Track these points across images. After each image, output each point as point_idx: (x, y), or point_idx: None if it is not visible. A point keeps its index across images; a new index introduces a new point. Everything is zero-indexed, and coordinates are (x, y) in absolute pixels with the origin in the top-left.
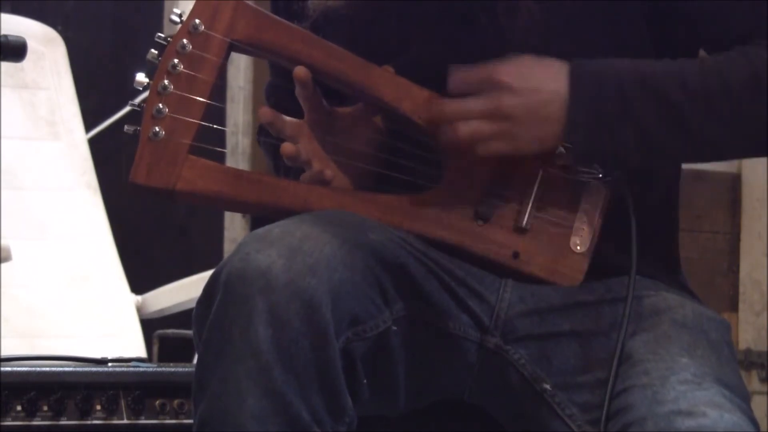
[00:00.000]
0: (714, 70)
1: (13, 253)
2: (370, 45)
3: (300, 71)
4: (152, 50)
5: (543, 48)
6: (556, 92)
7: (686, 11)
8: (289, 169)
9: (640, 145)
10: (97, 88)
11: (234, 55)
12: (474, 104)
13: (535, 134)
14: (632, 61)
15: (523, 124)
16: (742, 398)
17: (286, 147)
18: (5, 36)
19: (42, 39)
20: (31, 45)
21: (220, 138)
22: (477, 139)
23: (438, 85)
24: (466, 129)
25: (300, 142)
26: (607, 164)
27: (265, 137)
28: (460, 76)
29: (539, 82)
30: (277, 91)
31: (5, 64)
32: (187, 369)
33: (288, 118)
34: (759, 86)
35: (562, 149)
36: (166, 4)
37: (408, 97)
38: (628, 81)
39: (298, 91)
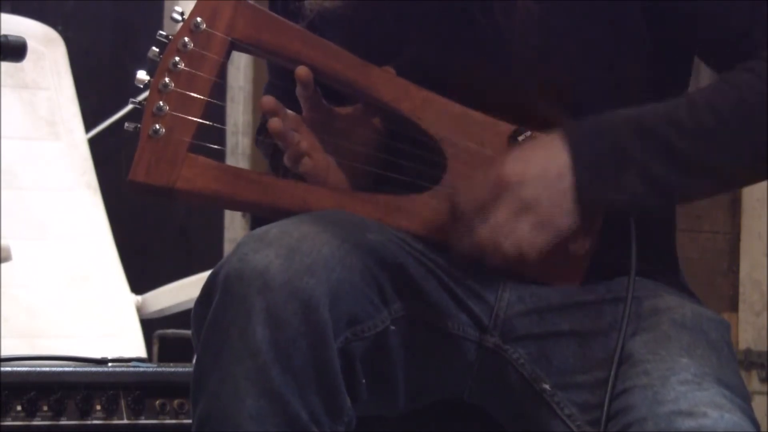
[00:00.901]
0: (702, 103)
1: (13, 253)
2: (368, 45)
3: (302, 71)
4: (153, 48)
5: (543, 47)
6: (562, 162)
7: (686, 11)
8: (288, 170)
9: (648, 190)
10: (97, 88)
11: (234, 55)
12: (500, 214)
13: (566, 207)
14: (621, 112)
15: (550, 204)
16: (743, 398)
17: (273, 122)
18: (5, 36)
19: (42, 39)
20: (31, 45)
21: (220, 138)
22: (521, 245)
23: (436, 85)
24: (509, 244)
25: (299, 133)
26: (627, 213)
27: (264, 137)
28: (469, 197)
29: (542, 160)
30: (275, 90)
31: (5, 64)
32: (187, 369)
33: (289, 111)
34: (750, 111)
35: None
36: (166, 3)
37: (407, 97)
38: (620, 131)
39: (298, 90)
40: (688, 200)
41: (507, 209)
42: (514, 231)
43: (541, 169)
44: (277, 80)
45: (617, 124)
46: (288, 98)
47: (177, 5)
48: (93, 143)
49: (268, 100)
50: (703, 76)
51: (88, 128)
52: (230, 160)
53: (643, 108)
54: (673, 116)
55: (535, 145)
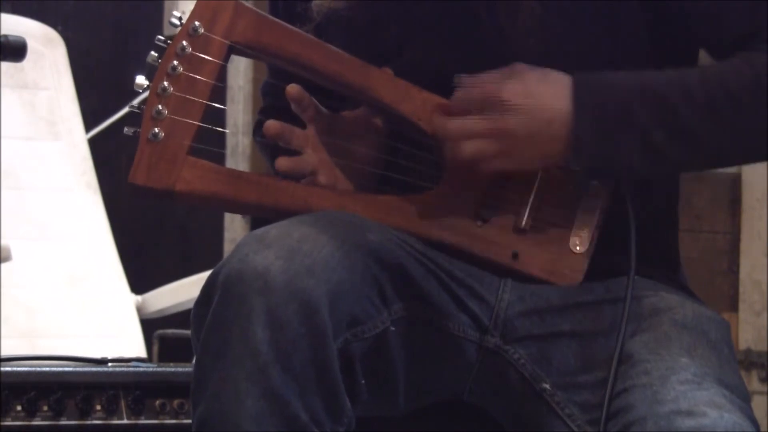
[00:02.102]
0: (716, 76)
1: (13, 253)
2: (373, 46)
3: (292, 90)
4: (152, 53)
5: (544, 48)
6: (559, 110)
7: (686, 11)
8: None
9: (644, 156)
10: (97, 88)
11: (234, 56)
12: (477, 123)
13: (539, 152)
14: (635, 73)
15: (526, 143)
16: (743, 398)
17: (281, 162)
18: (5, 36)
19: (42, 39)
20: (31, 45)
21: (220, 139)
22: (480, 158)
23: (440, 85)
24: (469, 148)
25: (306, 152)
26: (613, 176)
27: (262, 137)
28: (464, 90)
29: (542, 99)
30: (273, 90)
31: (5, 64)
32: (187, 369)
33: (296, 129)
34: (761, 91)
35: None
36: (166, 4)
37: (407, 98)
38: (630, 92)
39: (294, 107)
40: (681, 171)
41: (486, 122)
42: (481, 142)
43: (538, 105)
44: (274, 79)
45: (628, 84)
46: (286, 97)
47: (176, 7)
48: (93, 143)
49: (272, 126)
50: None
51: (88, 128)
52: (230, 161)
53: (656, 72)
54: (686, 87)
55: (544, 78)
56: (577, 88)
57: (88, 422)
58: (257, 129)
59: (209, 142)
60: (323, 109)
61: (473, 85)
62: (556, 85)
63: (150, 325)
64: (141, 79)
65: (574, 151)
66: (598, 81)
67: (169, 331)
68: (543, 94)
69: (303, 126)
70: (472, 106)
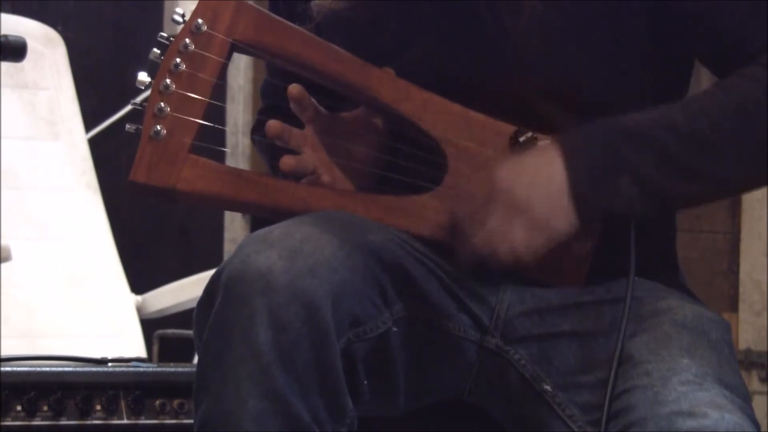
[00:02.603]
0: (699, 109)
1: (13, 253)
2: (373, 46)
3: (293, 89)
4: (154, 49)
5: (545, 47)
6: (554, 169)
7: (687, 12)
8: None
9: (644, 195)
10: (97, 88)
11: (234, 55)
12: (494, 220)
13: (555, 209)
14: (618, 117)
15: (540, 208)
16: (743, 398)
17: (286, 160)
18: (5, 36)
19: (42, 39)
20: (31, 45)
21: (220, 138)
22: (516, 248)
23: (441, 85)
24: (506, 250)
25: (305, 152)
26: (622, 217)
27: (260, 137)
28: (464, 204)
29: (535, 167)
30: (273, 90)
31: (5, 64)
32: (187, 369)
33: (294, 130)
34: (747, 117)
35: None
36: (166, 4)
37: (407, 98)
38: (614, 136)
39: (294, 107)
40: (684, 206)
41: (500, 214)
42: (508, 235)
43: (533, 172)
44: (274, 79)
45: (612, 129)
46: (286, 97)
47: (177, 6)
48: (93, 143)
49: (273, 126)
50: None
51: (88, 128)
52: (230, 160)
53: (638, 114)
54: (670, 121)
55: (528, 152)
56: (563, 144)
57: (88, 422)
58: (256, 129)
59: (209, 142)
60: (322, 109)
61: (465, 199)
62: (540, 150)
63: (150, 325)
64: (143, 76)
65: (579, 207)
66: (580, 134)
67: (169, 331)
68: (533, 162)
69: (302, 126)
70: (479, 216)
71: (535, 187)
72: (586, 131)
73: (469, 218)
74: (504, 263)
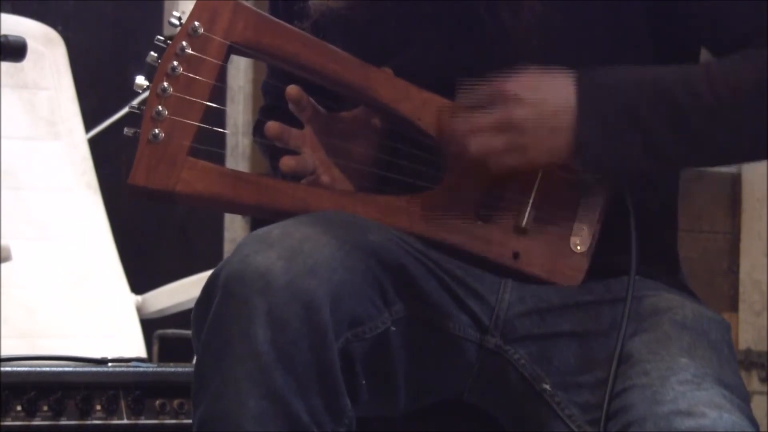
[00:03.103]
0: (720, 74)
1: (13, 253)
2: (372, 45)
3: (292, 90)
4: (152, 53)
5: (545, 47)
6: (564, 102)
7: (687, 11)
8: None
9: (647, 152)
10: (97, 88)
11: (234, 56)
12: (484, 118)
13: (547, 145)
14: (640, 68)
15: (534, 135)
16: (742, 398)
17: (286, 161)
18: (5, 36)
19: (42, 39)
20: (31, 45)
21: (220, 139)
22: (489, 153)
23: (441, 84)
24: (477, 144)
25: (304, 152)
26: (616, 171)
27: (261, 138)
28: (468, 89)
29: (548, 92)
30: (273, 90)
31: (5, 64)
32: (187, 369)
33: (294, 130)
34: (764, 89)
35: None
36: (166, 4)
37: (406, 98)
38: (635, 88)
39: (292, 107)
40: (682, 168)
41: (492, 117)
42: (488, 137)
43: (542, 97)
44: (274, 79)
45: (634, 82)
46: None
47: (176, 7)
48: (93, 143)
49: (272, 127)
50: None
51: (88, 128)
52: (230, 161)
53: (662, 70)
54: (692, 87)
55: (548, 74)
56: (582, 84)
57: (88, 422)
58: (257, 129)
59: (209, 143)
60: (321, 109)
61: (477, 83)
62: (559, 79)
63: (150, 325)
64: (141, 80)
65: (577, 150)
66: (603, 78)
67: (169, 331)
68: (548, 86)
69: (302, 126)
70: (478, 103)
71: (538, 112)
72: (607, 78)
73: (465, 106)
74: (467, 154)
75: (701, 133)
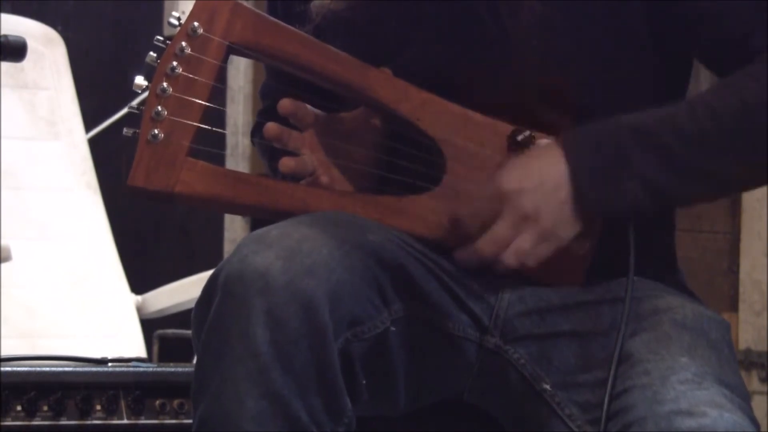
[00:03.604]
0: (703, 107)
1: (13, 253)
2: (373, 46)
3: (284, 104)
4: (151, 53)
5: (545, 47)
6: (559, 174)
7: (686, 11)
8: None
9: (648, 195)
10: (97, 88)
11: (234, 57)
12: (501, 226)
13: (563, 219)
14: (623, 117)
15: (550, 216)
16: (742, 398)
17: (286, 161)
18: (5, 36)
19: (42, 39)
20: (31, 45)
21: (220, 139)
22: (525, 257)
23: (441, 84)
24: (512, 257)
25: (304, 153)
26: (626, 218)
27: (260, 138)
28: (469, 209)
29: (541, 172)
30: (272, 92)
31: (5, 64)
32: (187, 369)
33: (293, 131)
34: (751, 116)
35: None
36: (166, 4)
37: (406, 98)
38: (621, 137)
39: (291, 120)
40: (688, 204)
41: (507, 221)
42: (515, 243)
43: (539, 179)
44: (273, 81)
45: (617, 131)
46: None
47: (176, 7)
48: (93, 143)
49: (271, 128)
50: (703, 78)
51: (88, 128)
52: (230, 161)
53: (642, 114)
54: (674, 122)
55: (532, 154)
56: (568, 147)
57: (88, 422)
58: (255, 131)
59: (209, 143)
60: (320, 112)
61: (469, 204)
62: (544, 153)
63: (150, 325)
64: (140, 80)
65: (583, 207)
66: (588, 132)
67: (169, 331)
68: (538, 167)
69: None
70: (485, 217)
71: (542, 194)
72: (592, 132)
73: (473, 221)
74: (508, 268)
75: (693, 167)
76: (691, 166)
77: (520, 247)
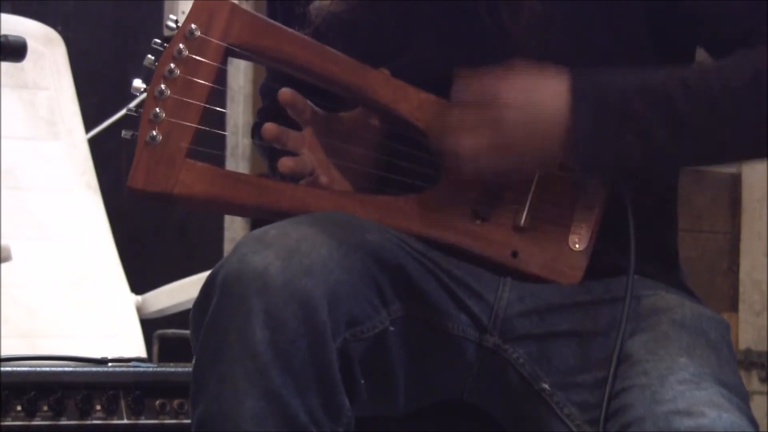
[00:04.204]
0: (715, 71)
1: (13, 253)
2: (373, 47)
3: (284, 94)
4: (149, 56)
5: (545, 47)
6: (556, 107)
7: (686, 11)
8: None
9: (644, 152)
10: (97, 88)
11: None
12: (473, 116)
13: (536, 149)
14: (633, 70)
15: (523, 140)
16: (741, 398)
17: (285, 162)
18: (5, 36)
19: (42, 39)
20: (31, 45)
21: (220, 140)
22: (474, 152)
23: (441, 85)
24: (464, 142)
25: (303, 153)
26: (613, 169)
27: (259, 139)
28: (462, 84)
29: (539, 95)
30: (271, 92)
31: (5, 64)
32: (187, 369)
33: (291, 131)
34: (760, 87)
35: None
36: (166, 4)
37: (404, 98)
38: (629, 88)
39: (289, 111)
40: (680, 166)
41: (480, 118)
42: (475, 139)
43: (534, 102)
44: (272, 81)
45: (627, 80)
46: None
47: (177, 6)
48: (93, 143)
49: (270, 129)
50: None
51: (88, 128)
52: (230, 161)
53: (655, 69)
54: (685, 81)
55: (543, 75)
56: (576, 83)
57: (88, 422)
58: (255, 131)
59: (209, 143)
60: (319, 110)
61: (471, 79)
62: (553, 81)
63: (150, 325)
64: (138, 83)
65: (571, 147)
66: (597, 77)
67: (169, 331)
68: (540, 89)
69: (301, 127)
70: (470, 101)
71: (527, 111)
72: (604, 76)
73: (456, 107)
74: (463, 161)
75: (696, 128)
76: (693, 127)
77: (479, 142)
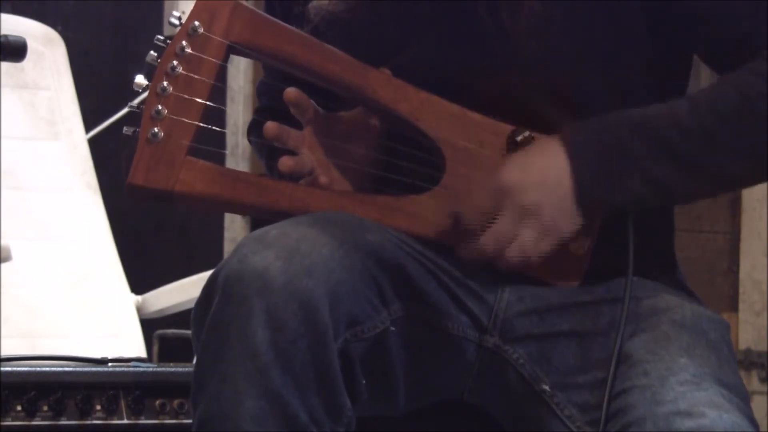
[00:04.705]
0: (703, 103)
1: (13, 253)
2: (372, 47)
3: (290, 93)
4: (151, 52)
5: (545, 47)
6: (561, 168)
7: (686, 11)
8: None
9: (649, 191)
10: (97, 88)
11: (234, 56)
12: (503, 222)
13: (564, 213)
14: (624, 112)
15: (551, 211)
16: (741, 398)
17: (285, 161)
18: (5, 36)
19: (42, 39)
20: (31, 45)
21: (220, 139)
22: (526, 252)
23: (441, 84)
24: (515, 253)
25: (303, 152)
26: (627, 212)
27: (255, 137)
28: (470, 206)
29: (542, 166)
30: (270, 89)
31: (5, 64)
32: (187, 369)
33: (292, 131)
34: (751, 110)
35: None
36: (166, 4)
37: (404, 98)
38: (623, 131)
39: (292, 110)
40: (689, 200)
41: (509, 216)
42: (517, 238)
43: (540, 174)
44: (271, 79)
45: (618, 126)
46: (282, 97)
47: (176, 7)
48: (93, 143)
49: (270, 128)
50: (703, 77)
51: (88, 128)
52: (230, 161)
53: (644, 109)
54: (675, 117)
55: (533, 149)
56: (570, 142)
57: (88, 422)
58: (252, 130)
59: (209, 143)
60: (321, 110)
61: (470, 200)
62: (545, 148)
63: (150, 325)
64: (140, 79)
65: (583, 202)
66: (589, 127)
67: (169, 331)
68: (538, 162)
69: (299, 126)
70: (487, 213)
71: (543, 189)
72: (593, 127)
73: (474, 218)
74: (511, 264)
75: (693, 161)
76: (692, 161)
77: (523, 242)
